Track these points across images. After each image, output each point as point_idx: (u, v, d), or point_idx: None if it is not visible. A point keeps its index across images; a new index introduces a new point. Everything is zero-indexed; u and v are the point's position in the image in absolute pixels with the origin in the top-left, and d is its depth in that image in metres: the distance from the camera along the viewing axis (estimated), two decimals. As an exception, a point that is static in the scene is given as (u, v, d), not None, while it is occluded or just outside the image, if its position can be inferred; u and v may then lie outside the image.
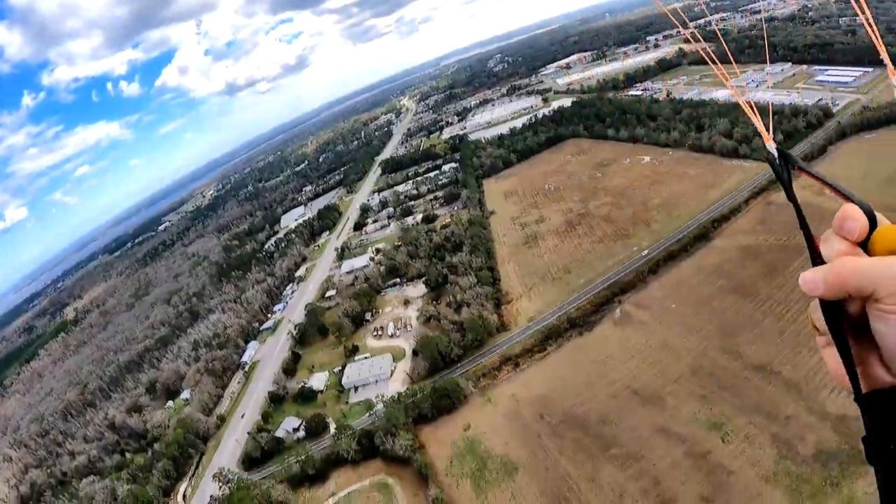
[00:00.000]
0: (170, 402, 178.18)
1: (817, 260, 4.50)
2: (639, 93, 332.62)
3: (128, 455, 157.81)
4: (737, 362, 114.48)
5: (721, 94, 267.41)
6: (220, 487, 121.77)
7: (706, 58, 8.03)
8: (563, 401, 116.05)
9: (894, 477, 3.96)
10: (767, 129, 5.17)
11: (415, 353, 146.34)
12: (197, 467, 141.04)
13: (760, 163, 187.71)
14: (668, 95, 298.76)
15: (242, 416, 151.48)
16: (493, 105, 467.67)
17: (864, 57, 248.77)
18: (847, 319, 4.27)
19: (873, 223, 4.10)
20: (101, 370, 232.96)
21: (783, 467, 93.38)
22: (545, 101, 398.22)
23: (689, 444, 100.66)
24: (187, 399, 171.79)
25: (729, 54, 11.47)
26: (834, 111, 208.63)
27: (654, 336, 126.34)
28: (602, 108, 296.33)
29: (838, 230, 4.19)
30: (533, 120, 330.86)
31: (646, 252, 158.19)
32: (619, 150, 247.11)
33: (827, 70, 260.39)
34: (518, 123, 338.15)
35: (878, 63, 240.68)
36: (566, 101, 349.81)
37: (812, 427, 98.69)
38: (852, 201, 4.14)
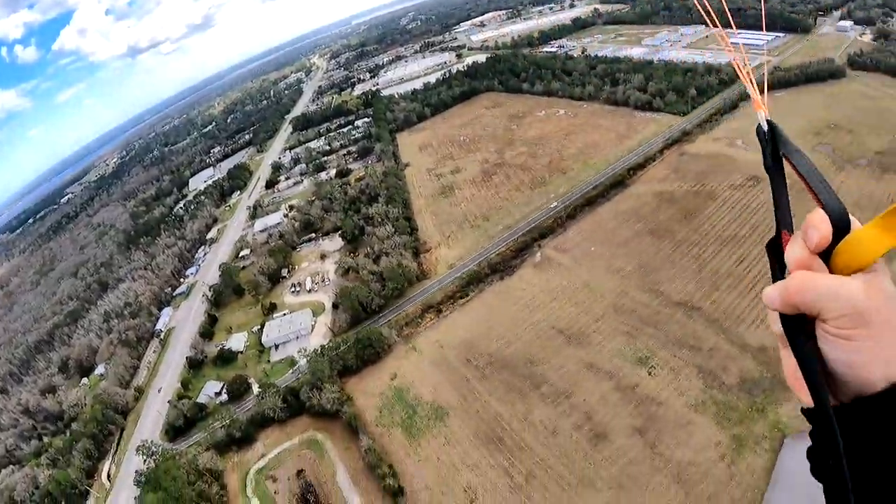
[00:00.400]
0: (84, 379, 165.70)
1: (776, 268, 4.06)
2: (554, 50, 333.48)
3: (45, 439, 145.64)
4: (658, 300, 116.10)
5: (635, 52, 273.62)
6: (145, 461, 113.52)
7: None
8: (489, 344, 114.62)
9: (836, 493, 3.64)
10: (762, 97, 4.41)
11: (335, 306, 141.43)
12: (119, 444, 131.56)
13: (674, 115, 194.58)
14: (583, 52, 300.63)
15: (160, 391, 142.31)
16: (405, 62, 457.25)
17: (777, 23, 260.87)
18: (808, 333, 3.86)
19: (846, 229, 3.69)
20: (10, 353, 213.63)
21: (710, 396, 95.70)
22: (459, 57, 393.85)
23: (617, 378, 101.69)
24: (102, 374, 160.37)
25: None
26: (745, 70, 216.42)
27: (576, 277, 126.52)
28: (517, 64, 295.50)
29: (802, 235, 3.82)
30: (447, 75, 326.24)
31: (563, 198, 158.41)
32: (534, 103, 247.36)
33: (740, 33, 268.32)
34: (432, 79, 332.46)
35: (789, 30, 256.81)
36: (480, 57, 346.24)
37: (734, 358, 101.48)
38: (823, 206, 3.69)
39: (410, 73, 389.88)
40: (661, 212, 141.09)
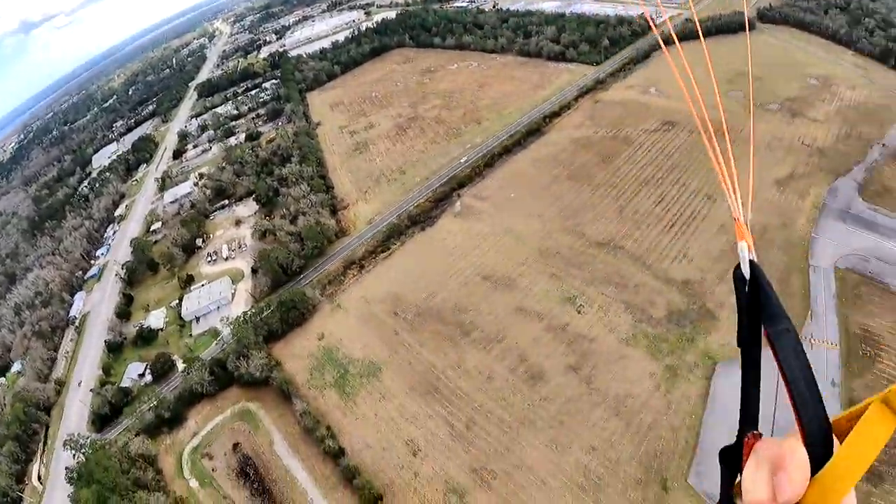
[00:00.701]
0: (1, 379, 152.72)
1: (726, 478, 3.51)
2: (464, 4, 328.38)
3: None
4: (581, 241, 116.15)
5: (548, 5, 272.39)
6: (75, 456, 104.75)
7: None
8: (416, 295, 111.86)
9: None
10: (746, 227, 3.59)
11: (254, 271, 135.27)
12: (45, 442, 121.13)
13: (588, 65, 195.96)
14: (494, 6, 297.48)
15: (80, 384, 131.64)
16: (313, 21, 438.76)
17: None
18: None
19: (827, 458, 2.92)
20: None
21: (640, 330, 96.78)
22: (368, 14, 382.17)
23: (547, 319, 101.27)
24: (20, 370, 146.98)
25: None
26: (657, 22, 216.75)
27: (497, 224, 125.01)
28: (427, 19, 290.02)
29: (770, 472, 3.01)
30: (356, 33, 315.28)
31: (479, 148, 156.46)
32: (446, 57, 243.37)
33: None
34: (341, 37, 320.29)
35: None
36: (391, 14, 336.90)
37: (660, 292, 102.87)
38: (802, 431, 2.97)
39: (318, 32, 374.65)
40: (579, 157, 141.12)
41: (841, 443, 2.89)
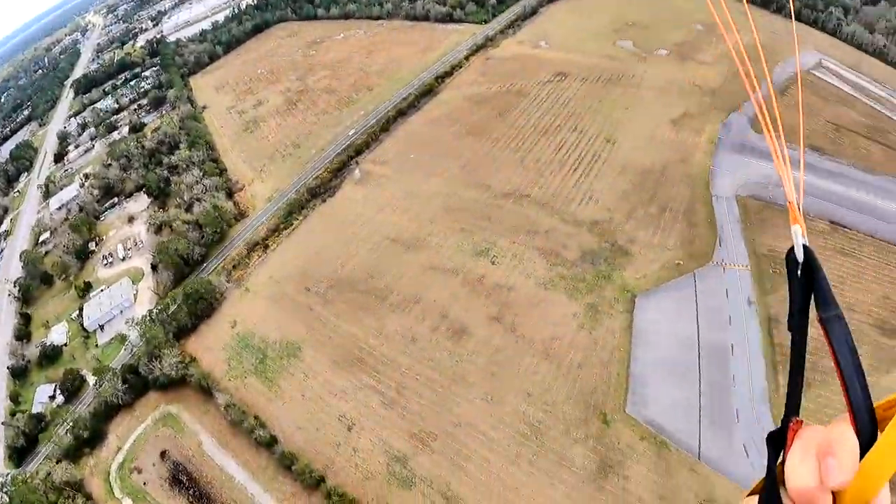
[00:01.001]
0: None
1: (772, 458, 3.31)
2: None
3: None
4: (486, 194, 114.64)
5: None
6: None
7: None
8: (325, 267, 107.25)
9: None
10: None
11: (154, 267, 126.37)
12: None
13: (476, 24, 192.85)
14: None
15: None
16: (190, 4, 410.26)
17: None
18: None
19: (870, 446, 2.87)
20: None
21: (556, 273, 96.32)
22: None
23: (463, 273, 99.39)
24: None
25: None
26: None
27: (399, 187, 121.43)
28: None
29: (818, 457, 2.94)
30: (236, 11, 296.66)
31: (373, 114, 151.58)
32: (332, 28, 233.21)
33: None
34: (220, 17, 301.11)
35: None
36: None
37: (571, 235, 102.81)
38: (853, 416, 2.93)
39: (197, 14, 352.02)
40: (475, 113, 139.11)
41: (881, 430, 2.81)
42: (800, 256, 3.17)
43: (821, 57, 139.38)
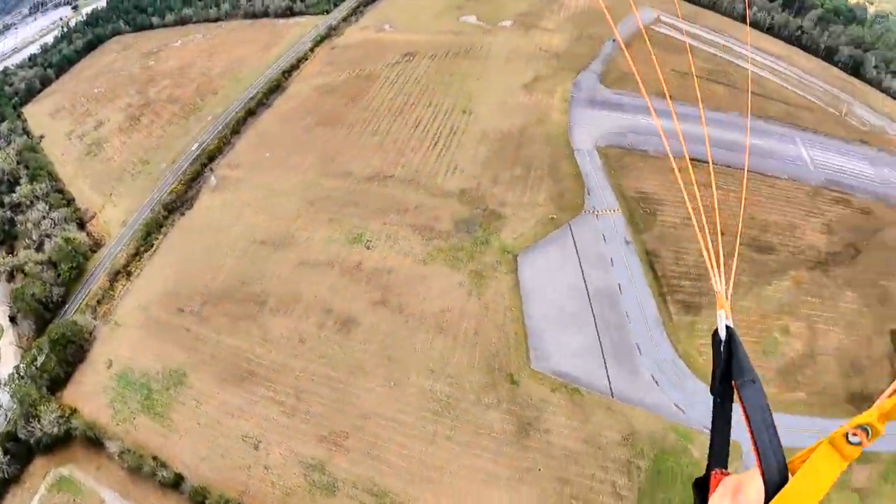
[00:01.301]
0: None
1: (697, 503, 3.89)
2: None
3: None
4: (349, 180, 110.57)
5: None
6: None
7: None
8: (195, 283, 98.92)
9: None
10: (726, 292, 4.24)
11: (12, 319, 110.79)
12: None
13: (318, 16, 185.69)
14: None
15: None
16: (16, 29, 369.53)
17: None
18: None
19: (783, 481, 3.32)
20: None
21: (434, 246, 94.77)
22: (76, 9, 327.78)
23: (338, 264, 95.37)
24: None
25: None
26: None
27: (259, 187, 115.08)
28: (141, 0, 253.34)
29: (732, 496, 3.52)
30: (65, 30, 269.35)
31: (222, 117, 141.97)
32: (169, 35, 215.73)
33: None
34: (49, 39, 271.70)
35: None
36: (100, 3, 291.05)
37: (441, 207, 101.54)
38: (761, 468, 3.37)
39: (24, 39, 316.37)
40: (326, 103, 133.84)
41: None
42: (723, 336, 3.65)
43: (658, 13, 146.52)
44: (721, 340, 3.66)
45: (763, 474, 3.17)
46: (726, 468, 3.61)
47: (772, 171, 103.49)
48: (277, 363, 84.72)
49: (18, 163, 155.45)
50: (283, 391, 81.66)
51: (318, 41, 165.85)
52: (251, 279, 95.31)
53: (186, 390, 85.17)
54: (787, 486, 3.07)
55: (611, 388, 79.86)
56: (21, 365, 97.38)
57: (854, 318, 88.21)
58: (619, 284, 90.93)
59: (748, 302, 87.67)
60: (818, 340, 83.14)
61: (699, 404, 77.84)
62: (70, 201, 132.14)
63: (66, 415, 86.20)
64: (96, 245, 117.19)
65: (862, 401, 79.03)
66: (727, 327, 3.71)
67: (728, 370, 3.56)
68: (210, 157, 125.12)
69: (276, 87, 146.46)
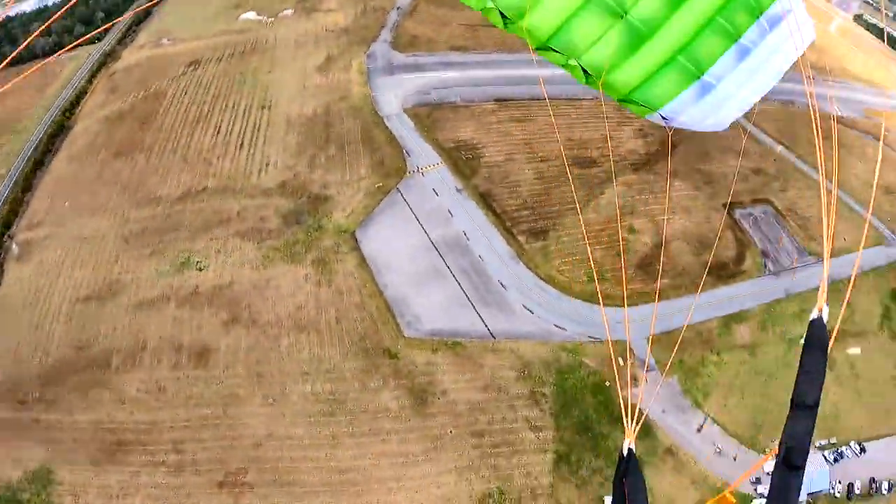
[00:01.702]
0: None
1: None
2: None
3: None
4: (160, 206, 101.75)
5: None
6: None
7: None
8: (29, 367, 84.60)
9: None
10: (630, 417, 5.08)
11: None
12: None
13: (90, 45, 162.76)
14: None
15: None
16: None
17: None
18: None
19: None
20: None
21: (268, 247, 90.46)
22: None
23: (174, 295, 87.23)
24: None
25: None
26: None
27: (67, 241, 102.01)
28: None
29: None
30: None
31: (6, 179, 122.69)
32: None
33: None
34: None
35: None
36: None
37: (264, 206, 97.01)
38: None
39: None
40: (118, 132, 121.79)
41: None
42: (625, 451, 4.45)
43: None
44: (625, 453, 4.20)
45: None
46: None
47: (573, 94, 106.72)
48: (144, 422, 76.14)
49: None
50: (161, 450, 73.65)
51: (95, 70, 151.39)
52: (87, 342, 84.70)
53: (58, 488, 73.45)
54: None
55: (489, 331, 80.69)
56: None
57: (688, 203, 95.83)
58: (464, 231, 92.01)
59: (589, 214, 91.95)
60: (663, 230, 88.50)
61: (576, 318, 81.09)
62: None
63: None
64: None
65: (719, 269, 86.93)
66: (630, 450, 4.22)
67: (627, 470, 4.30)
68: (6, 225, 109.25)
69: (59, 129, 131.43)
